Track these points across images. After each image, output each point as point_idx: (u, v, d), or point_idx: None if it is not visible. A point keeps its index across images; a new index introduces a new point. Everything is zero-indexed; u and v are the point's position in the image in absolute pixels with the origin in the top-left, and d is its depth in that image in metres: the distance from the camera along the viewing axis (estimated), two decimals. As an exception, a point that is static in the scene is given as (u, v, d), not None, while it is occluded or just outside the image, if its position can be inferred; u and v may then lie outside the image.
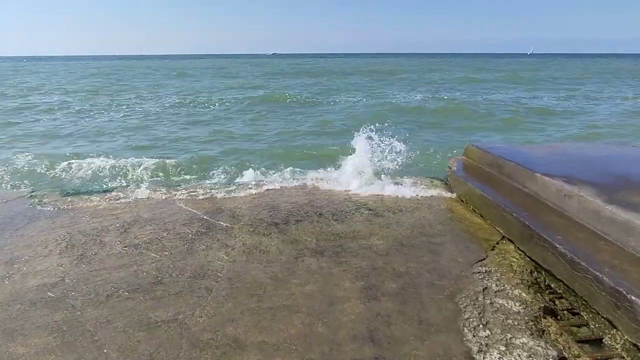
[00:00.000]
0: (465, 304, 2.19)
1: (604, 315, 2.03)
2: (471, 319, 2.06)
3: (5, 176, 6.98)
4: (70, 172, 6.69)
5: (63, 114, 15.57)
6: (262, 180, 4.83)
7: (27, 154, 8.28)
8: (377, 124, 4.85)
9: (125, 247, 2.95)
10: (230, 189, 4.30)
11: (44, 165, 7.34)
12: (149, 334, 1.98)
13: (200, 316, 2.12)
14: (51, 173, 6.97)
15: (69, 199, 4.03)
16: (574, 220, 2.63)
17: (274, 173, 5.26)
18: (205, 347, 1.89)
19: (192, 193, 4.13)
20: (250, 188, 4.31)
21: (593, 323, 2.11)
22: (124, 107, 17.49)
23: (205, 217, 3.50)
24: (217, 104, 17.93)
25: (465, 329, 1.99)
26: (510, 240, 2.93)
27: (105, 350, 1.87)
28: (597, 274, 2.05)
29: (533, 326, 2.05)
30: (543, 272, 2.54)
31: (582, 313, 2.21)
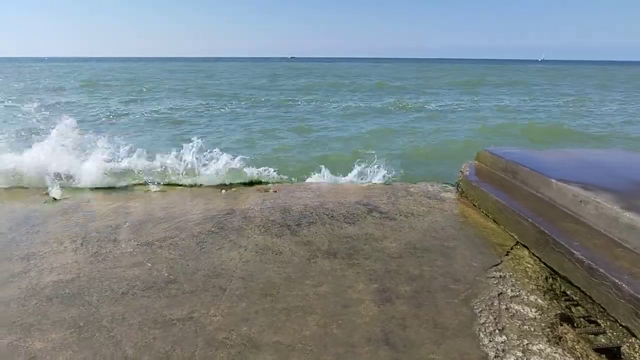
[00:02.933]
0: (480, 309, 2.17)
1: (623, 323, 2.00)
2: (487, 324, 2.05)
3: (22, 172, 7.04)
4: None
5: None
6: (274, 182, 4.84)
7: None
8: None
9: (139, 245, 2.98)
10: (242, 190, 4.32)
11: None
12: (164, 332, 1.99)
13: (215, 315, 2.13)
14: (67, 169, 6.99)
15: (84, 196, 4.07)
16: (590, 227, 2.60)
17: (285, 175, 5.27)
18: (220, 346, 1.89)
19: (205, 193, 4.16)
20: (262, 190, 4.32)
21: (611, 331, 2.09)
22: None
23: (217, 217, 3.52)
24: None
25: (481, 333, 1.97)
26: (525, 246, 2.90)
27: (121, 347, 1.88)
28: (616, 281, 2.02)
29: (550, 333, 2.03)
30: (559, 279, 2.51)
31: (599, 321, 2.18)
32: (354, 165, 5.18)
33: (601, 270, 2.13)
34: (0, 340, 1.93)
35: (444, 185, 4.49)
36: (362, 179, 4.95)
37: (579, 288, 2.33)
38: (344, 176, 5.11)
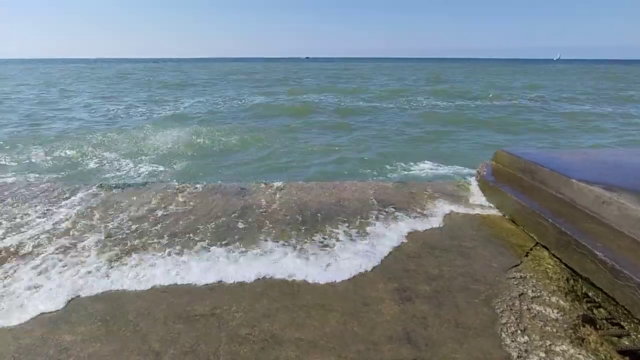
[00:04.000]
0: (501, 309, 2.16)
1: (648, 326, 1.98)
2: (509, 324, 2.04)
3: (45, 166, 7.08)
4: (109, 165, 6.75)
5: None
6: (290, 179, 4.86)
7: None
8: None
9: (161, 239, 3.03)
10: (260, 186, 4.35)
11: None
12: (188, 327, 2.03)
13: (237, 311, 2.16)
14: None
15: (105, 191, 4.15)
16: (613, 228, 2.56)
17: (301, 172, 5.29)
18: (243, 342, 1.92)
19: (223, 189, 4.20)
20: (279, 187, 4.35)
21: (635, 333, 2.06)
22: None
23: (235, 212, 3.56)
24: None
25: (503, 334, 1.97)
26: (545, 247, 2.87)
27: (148, 341, 1.93)
28: (642, 283, 2.00)
29: (572, 334, 2.01)
30: (580, 280, 2.49)
31: (622, 323, 2.15)
32: None
33: (626, 271, 2.11)
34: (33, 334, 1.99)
35: (459, 184, 4.46)
36: None
37: (601, 289, 2.31)
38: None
